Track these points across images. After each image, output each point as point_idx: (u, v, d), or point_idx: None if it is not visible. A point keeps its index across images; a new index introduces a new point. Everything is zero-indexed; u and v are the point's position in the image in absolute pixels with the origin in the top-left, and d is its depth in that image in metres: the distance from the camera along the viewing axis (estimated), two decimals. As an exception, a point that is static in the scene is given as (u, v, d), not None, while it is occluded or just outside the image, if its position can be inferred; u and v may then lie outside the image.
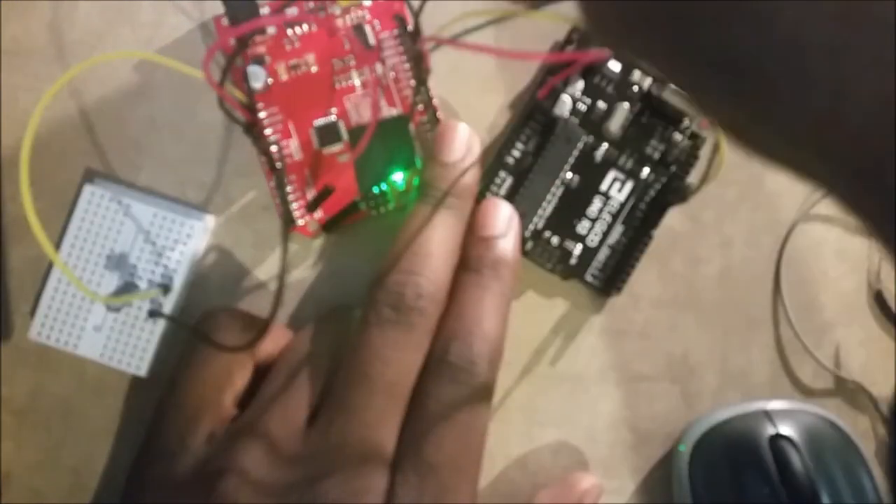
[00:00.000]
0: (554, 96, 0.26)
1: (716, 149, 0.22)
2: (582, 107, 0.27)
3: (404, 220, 0.24)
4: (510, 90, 0.28)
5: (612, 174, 0.27)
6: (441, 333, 0.23)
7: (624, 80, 0.27)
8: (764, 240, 0.28)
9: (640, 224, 0.27)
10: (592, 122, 0.27)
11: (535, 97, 0.26)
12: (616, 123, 0.27)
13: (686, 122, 0.27)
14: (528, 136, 0.27)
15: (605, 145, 0.27)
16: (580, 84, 0.26)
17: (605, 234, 0.27)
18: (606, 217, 0.27)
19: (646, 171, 0.27)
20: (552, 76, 0.26)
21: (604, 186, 0.27)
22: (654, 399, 0.28)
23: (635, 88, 0.27)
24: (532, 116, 0.26)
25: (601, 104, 0.27)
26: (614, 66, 0.27)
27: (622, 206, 0.27)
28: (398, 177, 0.26)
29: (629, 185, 0.27)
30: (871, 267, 0.28)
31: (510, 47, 0.28)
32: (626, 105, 0.27)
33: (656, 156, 0.27)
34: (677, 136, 0.27)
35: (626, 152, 0.27)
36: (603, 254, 0.27)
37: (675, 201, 0.26)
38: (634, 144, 0.27)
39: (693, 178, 0.27)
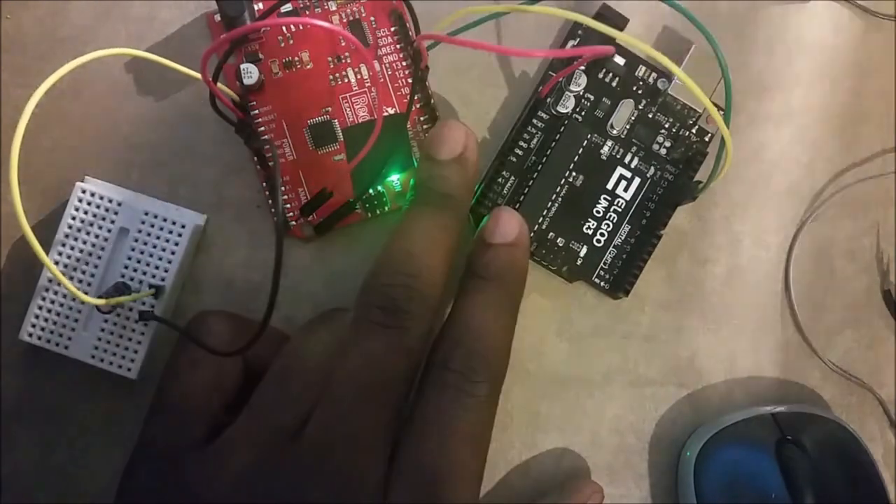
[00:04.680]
0: (557, 93, 0.26)
1: (723, 145, 0.22)
2: (586, 104, 0.26)
3: (398, 220, 0.23)
4: (511, 86, 0.27)
5: (618, 172, 0.26)
6: (444, 340, 0.22)
7: (629, 75, 0.26)
8: (772, 239, 0.28)
9: (647, 223, 0.26)
10: (597, 120, 0.26)
11: (538, 94, 0.26)
12: (621, 120, 0.26)
13: (693, 118, 0.26)
14: (530, 135, 0.26)
15: (610, 143, 0.26)
16: (583, 80, 0.26)
17: (612, 234, 0.26)
18: (613, 216, 0.26)
19: (653, 168, 0.26)
20: (554, 73, 0.26)
21: (610, 185, 0.26)
22: (660, 403, 0.27)
23: (641, 84, 0.26)
24: (534, 114, 0.26)
25: (606, 101, 0.26)
26: (619, 60, 0.26)
27: (629, 205, 0.26)
28: (394, 178, 0.26)
29: (636, 184, 0.26)
30: (880, 267, 0.28)
31: (511, 43, 0.27)
32: (631, 101, 0.26)
33: (663, 153, 0.26)
34: (684, 133, 0.26)
35: (633, 150, 0.26)
36: (610, 254, 0.26)
37: (684, 199, 0.25)
38: (641, 142, 0.26)
39: (701, 175, 0.26)
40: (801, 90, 0.28)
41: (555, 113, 0.26)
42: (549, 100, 0.26)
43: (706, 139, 0.26)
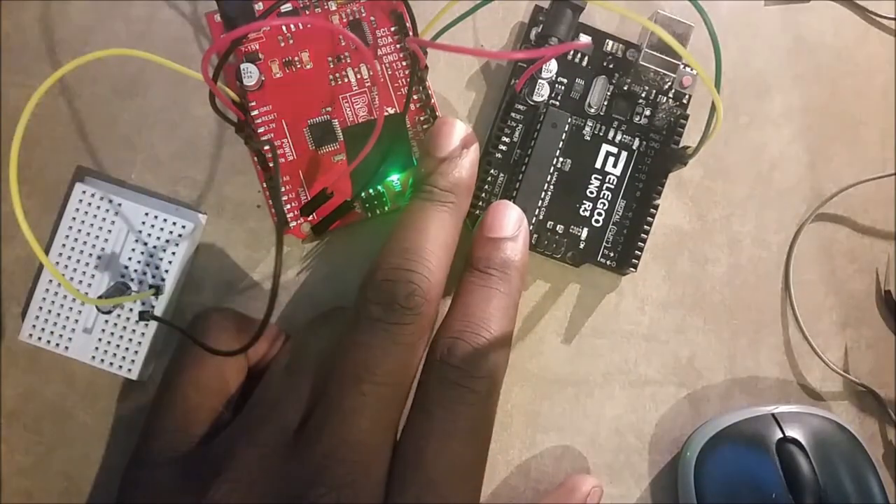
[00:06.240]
0: (530, 83, 0.26)
1: (713, 108, 0.22)
2: (560, 88, 0.26)
3: (398, 216, 0.23)
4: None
5: (604, 150, 0.26)
6: (445, 334, 0.22)
7: (597, 52, 0.26)
8: (772, 239, 0.28)
9: (641, 195, 0.26)
10: (574, 102, 0.26)
11: (513, 89, 0.26)
12: (598, 98, 0.26)
13: (668, 82, 0.26)
14: (511, 129, 0.26)
15: (591, 122, 0.26)
16: (554, 66, 0.26)
17: (609, 212, 0.26)
18: (607, 194, 0.26)
19: (637, 140, 0.26)
20: (526, 65, 0.26)
21: (598, 164, 0.26)
22: (661, 403, 0.27)
23: (610, 58, 0.26)
24: (512, 108, 0.26)
25: (579, 81, 0.26)
26: (584, 39, 0.26)
27: (620, 180, 0.26)
28: (394, 177, 0.26)
29: (623, 158, 0.26)
30: (880, 268, 0.28)
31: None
32: (604, 77, 0.26)
33: (644, 122, 0.26)
34: (661, 98, 0.26)
35: (614, 125, 0.26)
36: (611, 232, 0.26)
37: (674, 166, 0.25)
38: (621, 115, 0.26)
39: (691, 140, 0.26)
40: (802, 90, 0.28)
41: (531, 103, 0.26)
42: (523, 91, 0.26)
43: (684, 101, 0.26)
